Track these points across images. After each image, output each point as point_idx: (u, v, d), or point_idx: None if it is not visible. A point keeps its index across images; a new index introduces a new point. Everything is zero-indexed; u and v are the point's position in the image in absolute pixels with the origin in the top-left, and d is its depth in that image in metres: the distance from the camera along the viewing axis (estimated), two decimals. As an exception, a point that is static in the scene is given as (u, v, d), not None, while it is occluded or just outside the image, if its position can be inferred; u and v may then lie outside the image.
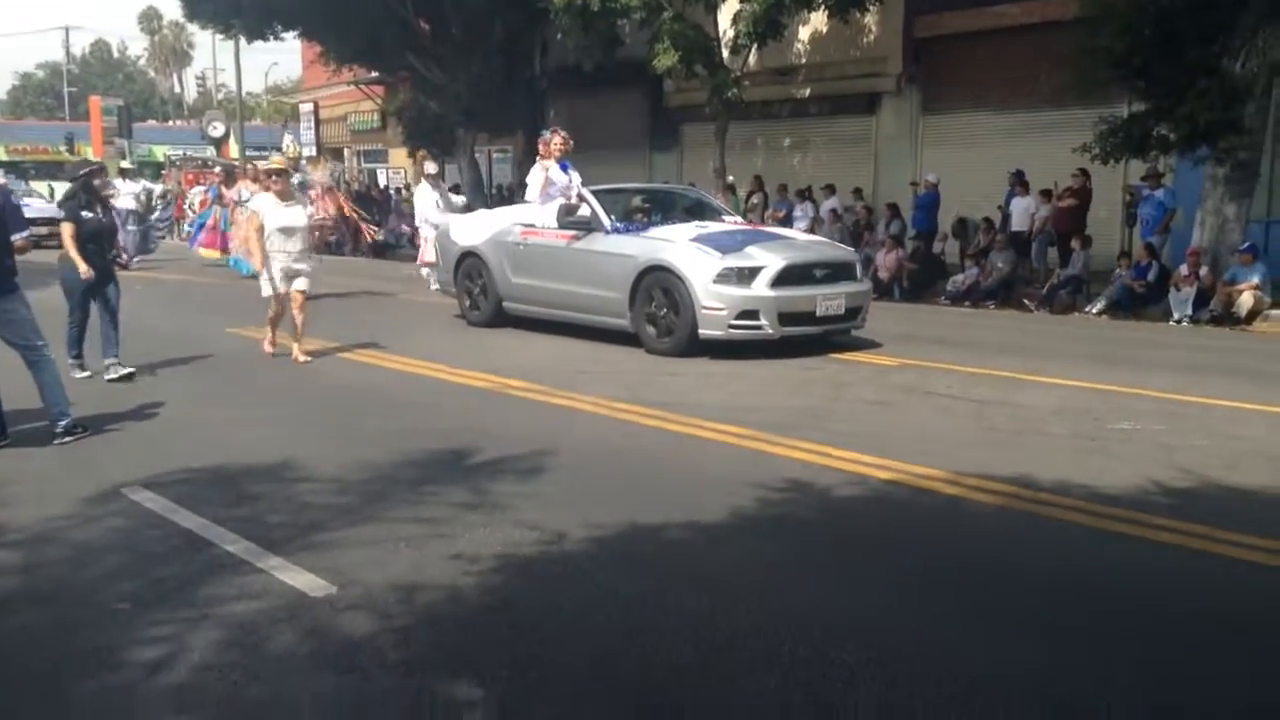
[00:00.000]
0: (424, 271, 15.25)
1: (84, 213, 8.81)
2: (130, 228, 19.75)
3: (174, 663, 3.86)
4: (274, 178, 9.87)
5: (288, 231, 9.59)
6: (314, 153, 34.32)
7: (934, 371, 9.29)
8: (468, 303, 12.15)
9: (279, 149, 41.02)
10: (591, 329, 10.83)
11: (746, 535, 5.25)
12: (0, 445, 6.76)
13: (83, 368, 9.15)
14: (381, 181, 32.64)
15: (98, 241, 8.95)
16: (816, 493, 5.82)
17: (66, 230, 8.79)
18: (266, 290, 9.80)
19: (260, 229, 9.52)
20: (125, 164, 24.37)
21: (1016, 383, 8.82)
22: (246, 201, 17.17)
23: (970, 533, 5.32)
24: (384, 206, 27.73)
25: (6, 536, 5.19)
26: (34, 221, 19.88)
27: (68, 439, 6.88)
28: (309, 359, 9.76)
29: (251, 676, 3.77)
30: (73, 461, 6.53)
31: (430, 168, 15.86)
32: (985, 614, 4.31)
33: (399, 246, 25.16)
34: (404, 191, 29.84)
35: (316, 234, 10.46)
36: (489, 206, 17.96)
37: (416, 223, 16.05)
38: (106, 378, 8.93)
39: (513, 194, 25.42)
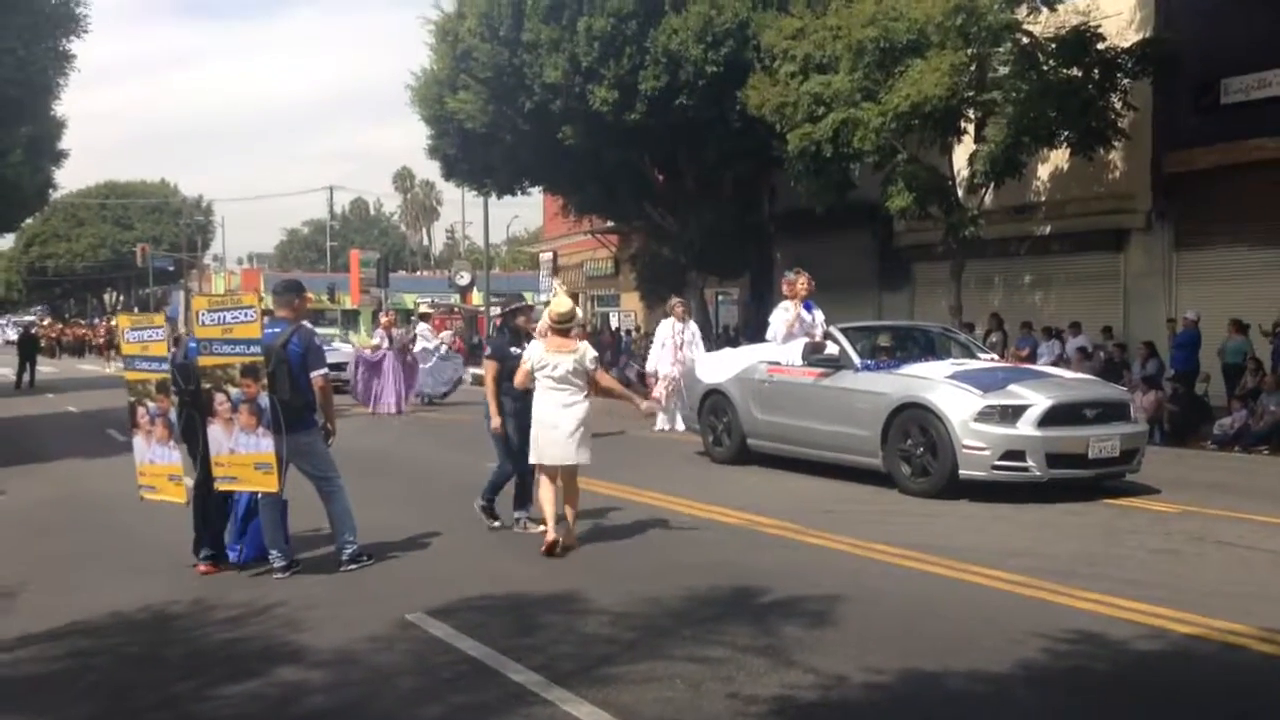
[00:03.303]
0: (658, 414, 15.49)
1: (512, 348, 8.36)
2: (425, 366, 21.04)
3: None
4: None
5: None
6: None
7: (1220, 519, 8.63)
8: (711, 439, 12.26)
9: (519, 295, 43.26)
10: (839, 467, 10.69)
11: (1038, 689, 4.95)
12: (293, 571, 7.20)
13: (493, 515, 8.55)
14: (613, 324, 33.80)
15: None
16: (1110, 645, 5.45)
17: (489, 369, 8.40)
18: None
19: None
20: (425, 308, 25.74)
21: (1318, 533, 8.08)
22: None
23: (1296, 696, 4.84)
24: (615, 347, 28.69)
25: (309, 658, 5.50)
26: (341, 366, 21.38)
27: (353, 566, 7.28)
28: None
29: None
30: (360, 588, 6.89)
31: (679, 307, 16.18)
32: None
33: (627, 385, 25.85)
34: (634, 333, 30.79)
35: None
36: (717, 348, 18.19)
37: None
38: (515, 529, 8.47)
39: (739, 335, 25.78)
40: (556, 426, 7.70)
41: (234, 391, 6.91)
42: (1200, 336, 16.51)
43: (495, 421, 8.25)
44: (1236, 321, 16.16)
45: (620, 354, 28.15)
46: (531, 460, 7.91)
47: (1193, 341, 16.54)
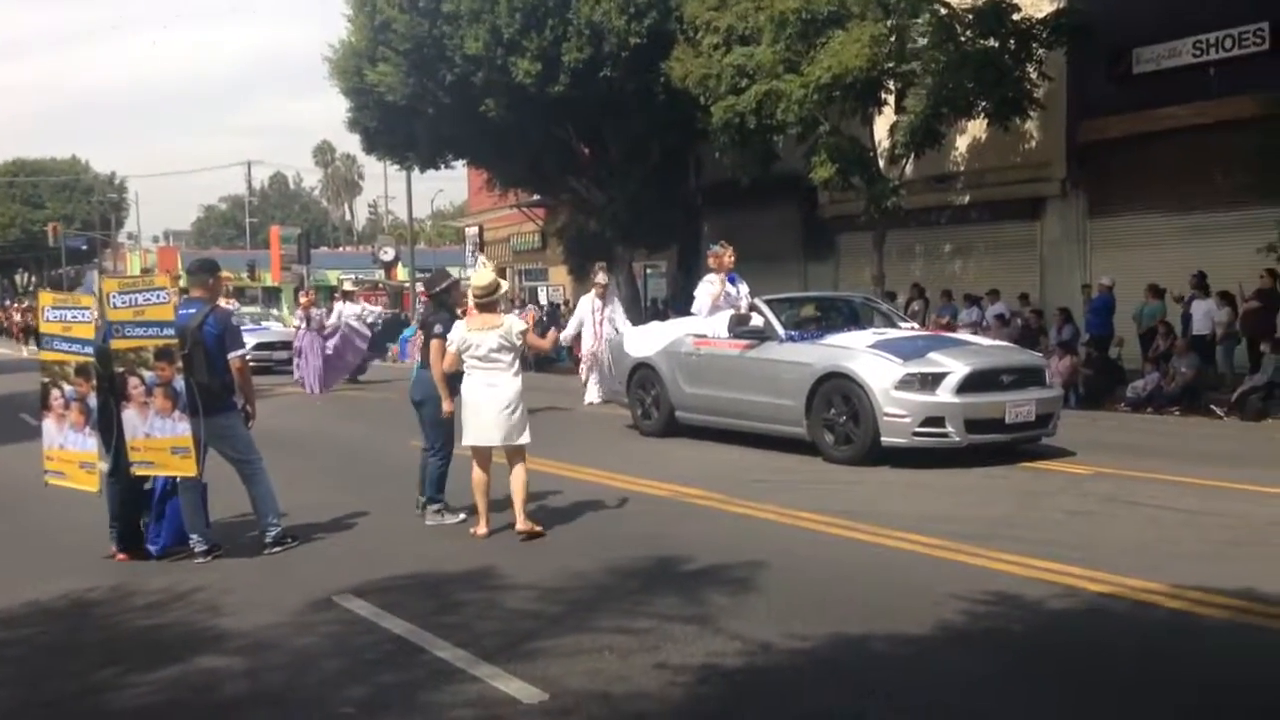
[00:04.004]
0: (587, 384, 15.46)
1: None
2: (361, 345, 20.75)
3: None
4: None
5: None
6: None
7: (1132, 480, 8.89)
8: (640, 412, 12.31)
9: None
10: (765, 437, 10.79)
11: (956, 649, 5.06)
12: (215, 555, 7.09)
13: (451, 510, 8.01)
14: (542, 299, 33.66)
15: None
16: (1026, 606, 5.59)
17: (435, 349, 7.72)
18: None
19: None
20: (349, 285, 25.23)
21: (1224, 492, 8.37)
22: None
23: (1202, 648, 5.02)
24: (542, 322, 28.59)
25: (231, 643, 5.41)
26: (272, 345, 21.27)
27: (277, 549, 7.18)
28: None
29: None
30: (284, 571, 6.81)
31: (601, 278, 15.90)
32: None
33: (558, 360, 25.76)
34: (563, 307, 30.69)
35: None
36: (645, 320, 18.18)
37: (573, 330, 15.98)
38: (430, 521, 7.93)
39: (668, 307, 25.85)
40: (484, 406, 7.38)
41: (148, 375, 6.75)
42: (1114, 301, 16.96)
43: (448, 406, 7.69)
44: (1153, 286, 16.61)
45: (549, 328, 28.06)
46: (466, 443, 7.54)
47: (1107, 306, 16.99)
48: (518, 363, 7.55)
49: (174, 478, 7.06)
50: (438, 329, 7.72)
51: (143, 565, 7.09)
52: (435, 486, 7.99)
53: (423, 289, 10.21)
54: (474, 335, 7.42)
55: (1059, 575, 6.04)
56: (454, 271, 34.60)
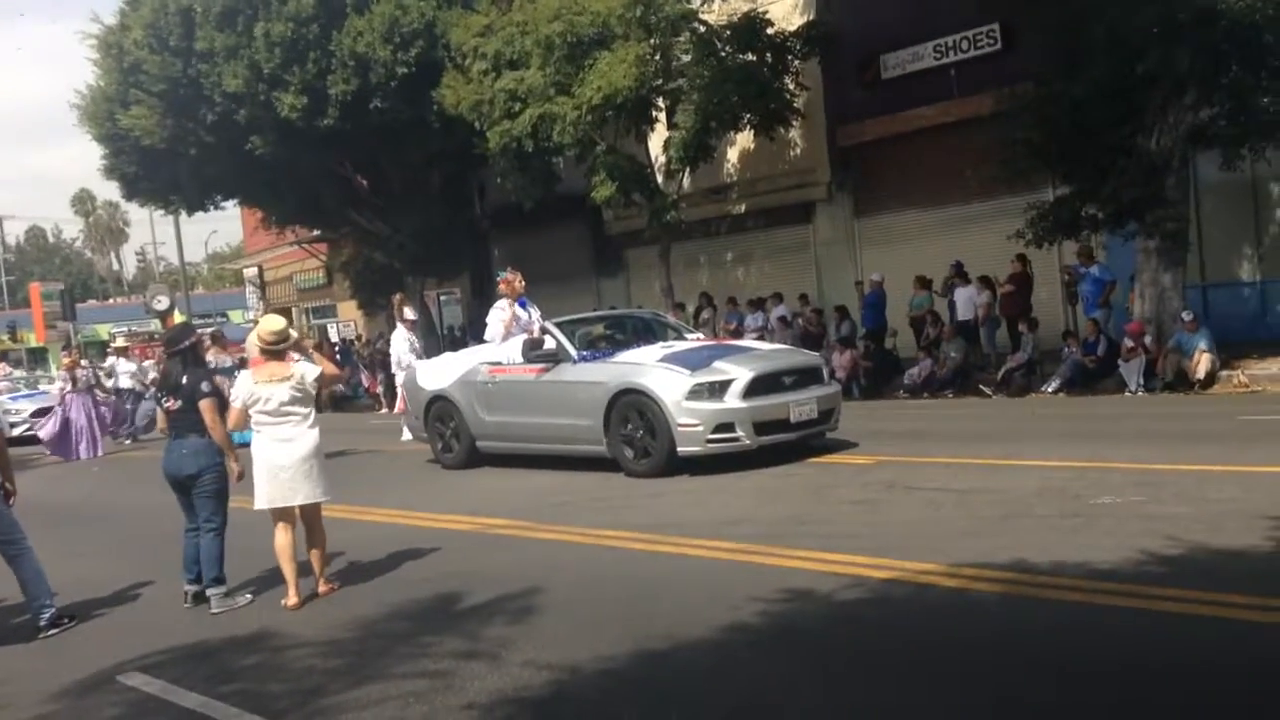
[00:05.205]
0: (404, 421, 15.16)
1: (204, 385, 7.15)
2: (129, 407, 19.62)
3: None
4: None
5: None
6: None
7: (911, 466, 9.39)
8: (440, 446, 12.14)
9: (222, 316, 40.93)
10: (568, 458, 10.84)
11: (754, 651, 5.22)
12: (-17, 646, 6.59)
13: (236, 591, 7.15)
14: (333, 336, 32.69)
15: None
16: (818, 600, 5.82)
17: (209, 408, 7.03)
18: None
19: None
20: (121, 341, 23.88)
21: (993, 468, 8.95)
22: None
23: (979, 624, 5.33)
24: (335, 360, 27.79)
25: (3, 741, 5.05)
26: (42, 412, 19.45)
27: (53, 631, 6.72)
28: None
29: None
30: (62, 653, 6.37)
31: (409, 313, 15.74)
32: (1012, 704, 4.32)
33: (357, 398, 25.12)
34: (355, 343, 29.94)
35: None
36: (443, 349, 18.01)
37: (393, 369, 15.91)
38: (218, 609, 6.96)
39: (465, 334, 25.63)
40: (280, 464, 6.80)
41: (-113, 462, 6.21)
42: (885, 295, 17.89)
43: (238, 468, 7.12)
44: (921, 277, 17.59)
45: (344, 365, 27.29)
46: (259, 506, 6.90)
47: (879, 301, 17.92)
48: (313, 413, 7.08)
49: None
50: (205, 387, 7.11)
51: (-102, 668, 6.50)
52: (218, 565, 7.08)
53: (162, 347, 9.13)
54: (263, 388, 6.86)
55: (847, 566, 6.32)
56: (237, 316, 33.56)
